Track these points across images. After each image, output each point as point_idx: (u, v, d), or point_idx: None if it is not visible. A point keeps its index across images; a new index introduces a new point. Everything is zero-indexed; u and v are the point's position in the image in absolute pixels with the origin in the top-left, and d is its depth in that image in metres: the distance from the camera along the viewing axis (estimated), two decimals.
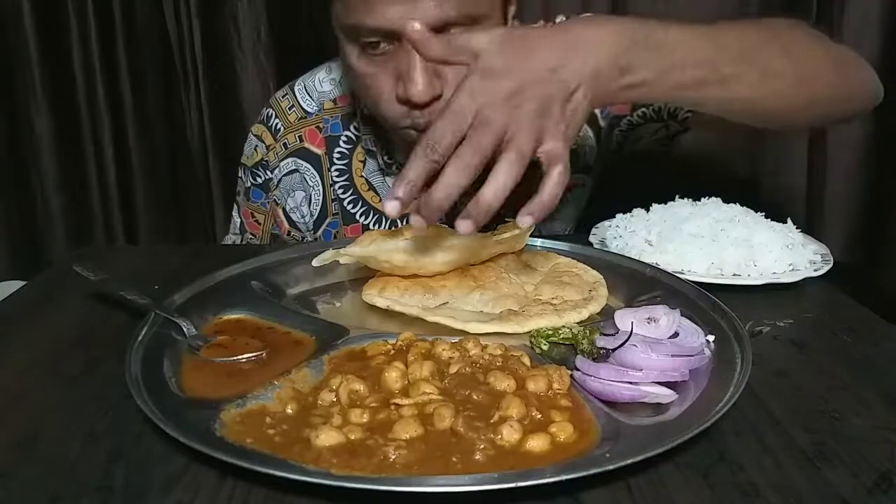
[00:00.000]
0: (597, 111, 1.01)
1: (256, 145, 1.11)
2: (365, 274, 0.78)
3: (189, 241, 1.68)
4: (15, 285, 0.88)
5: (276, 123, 1.10)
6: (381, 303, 0.72)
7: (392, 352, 0.61)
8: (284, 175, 1.09)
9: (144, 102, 1.59)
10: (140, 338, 0.63)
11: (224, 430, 0.50)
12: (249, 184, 1.13)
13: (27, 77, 1.55)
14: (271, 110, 1.11)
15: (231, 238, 1.17)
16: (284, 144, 1.09)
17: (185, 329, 0.65)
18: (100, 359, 0.64)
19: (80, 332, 0.71)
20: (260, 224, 1.14)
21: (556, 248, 0.86)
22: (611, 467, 0.44)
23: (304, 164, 1.08)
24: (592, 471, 0.44)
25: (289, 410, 0.52)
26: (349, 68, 0.90)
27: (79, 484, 0.48)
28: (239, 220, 1.16)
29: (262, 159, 1.11)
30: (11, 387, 0.61)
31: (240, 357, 0.62)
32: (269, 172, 1.10)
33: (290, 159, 1.09)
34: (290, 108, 1.09)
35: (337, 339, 0.64)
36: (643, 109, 1.00)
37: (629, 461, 0.45)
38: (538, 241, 0.87)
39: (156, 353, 0.61)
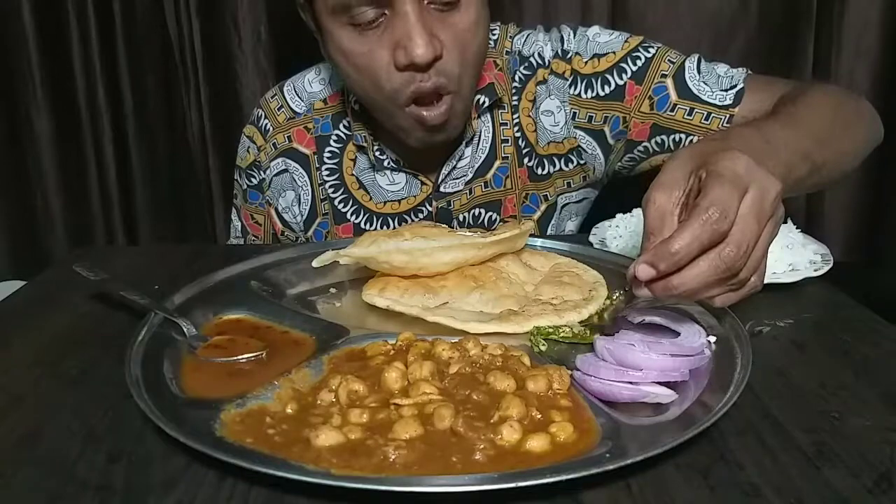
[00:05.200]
0: (606, 130, 1.00)
1: (248, 146, 1.11)
2: (365, 274, 0.78)
3: (189, 241, 1.67)
4: (15, 285, 0.88)
5: (266, 124, 1.09)
6: (381, 303, 0.72)
7: (392, 352, 0.61)
8: (275, 175, 1.09)
9: (144, 102, 1.58)
10: (140, 338, 0.63)
11: (224, 430, 0.50)
12: (246, 185, 1.13)
13: (27, 77, 1.54)
14: (261, 111, 1.11)
15: (233, 243, 1.17)
16: (274, 145, 1.09)
17: (185, 329, 0.65)
18: (100, 359, 0.64)
19: (80, 332, 0.71)
20: (260, 225, 1.14)
21: (556, 248, 0.86)
22: (611, 467, 0.44)
23: (293, 164, 1.08)
24: (592, 471, 0.44)
25: (289, 410, 0.53)
26: (341, 56, 0.89)
27: (79, 484, 0.48)
28: (239, 223, 1.16)
29: (254, 160, 1.10)
30: (11, 387, 0.61)
31: (240, 357, 0.62)
32: (262, 173, 1.10)
33: (279, 159, 1.09)
34: (279, 109, 1.09)
35: (337, 339, 0.64)
36: (661, 137, 0.97)
37: (629, 461, 0.45)
38: (538, 241, 0.87)
39: (156, 353, 0.61)
